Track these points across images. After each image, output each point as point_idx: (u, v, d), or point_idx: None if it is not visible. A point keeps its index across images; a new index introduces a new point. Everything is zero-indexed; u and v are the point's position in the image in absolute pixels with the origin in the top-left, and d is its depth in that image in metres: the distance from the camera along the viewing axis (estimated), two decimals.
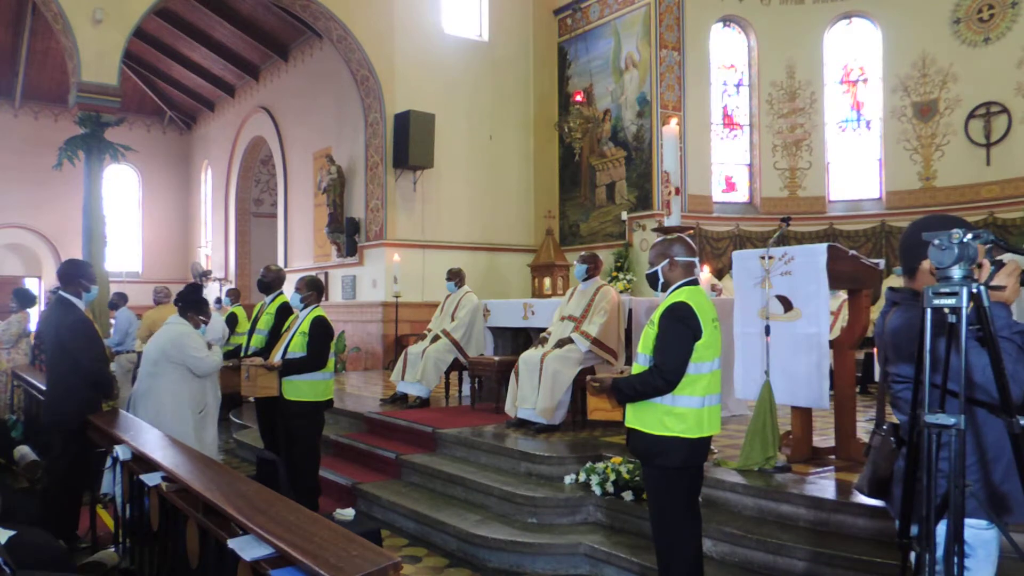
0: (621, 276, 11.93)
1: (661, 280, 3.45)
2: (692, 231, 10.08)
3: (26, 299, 8.04)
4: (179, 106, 20.97)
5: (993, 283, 2.08)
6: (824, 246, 4.58)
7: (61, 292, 4.85)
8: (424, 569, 4.64)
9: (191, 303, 5.26)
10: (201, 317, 5.24)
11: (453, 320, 7.70)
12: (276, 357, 5.36)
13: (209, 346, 5.26)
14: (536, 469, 5.39)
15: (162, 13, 14.54)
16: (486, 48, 13.55)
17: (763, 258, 4.76)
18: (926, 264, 2.21)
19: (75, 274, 4.88)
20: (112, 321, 9.37)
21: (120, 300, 9.46)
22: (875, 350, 2.81)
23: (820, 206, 12.41)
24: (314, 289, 5.47)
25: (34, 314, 14.53)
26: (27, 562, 3.04)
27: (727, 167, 12.80)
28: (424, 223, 12.79)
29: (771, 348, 4.68)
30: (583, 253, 6.55)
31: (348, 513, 5.43)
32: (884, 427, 2.39)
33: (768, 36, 12.60)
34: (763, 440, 4.59)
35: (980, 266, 2.01)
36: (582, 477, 5.03)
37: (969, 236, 1.91)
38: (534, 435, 6.00)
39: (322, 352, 5.24)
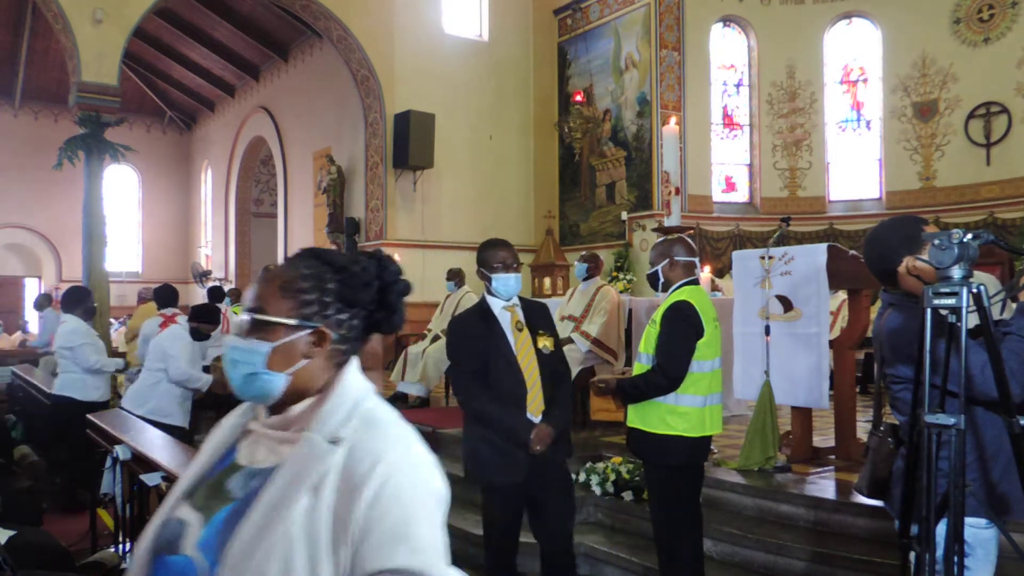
0: (621, 276, 11.92)
1: (661, 280, 3.46)
2: (692, 231, 10.08)
3: None
4: (179, 106, 20.96)
5: None
6: (824, 246, 4.58)
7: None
8: None
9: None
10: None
11: None
12: None
13: None
14: None
15: (162, 13, 14.52)
16: (486, 48, 13.54)
17: (763, 258, 4.76)
18: (902, 268, 2.22)
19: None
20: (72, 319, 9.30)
21: (46, 301, 9.34)
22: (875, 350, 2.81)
23: (820, 206, 12.40)
24: None
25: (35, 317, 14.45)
26: (27, 562, 3.05)
27: (727, 167, 12.79)
28: (424, 223, 12.78)
29: (771, 348, 4.68)
30: (584, 253, 6.54)
31: None
32: (882, 428, 2.39)
33: (768, 36, 12.59)
34: (763, 440, 4.59)
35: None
36: (582, 477, 5.02)
37: (969, 236, 1.90)
38: None
39: None
